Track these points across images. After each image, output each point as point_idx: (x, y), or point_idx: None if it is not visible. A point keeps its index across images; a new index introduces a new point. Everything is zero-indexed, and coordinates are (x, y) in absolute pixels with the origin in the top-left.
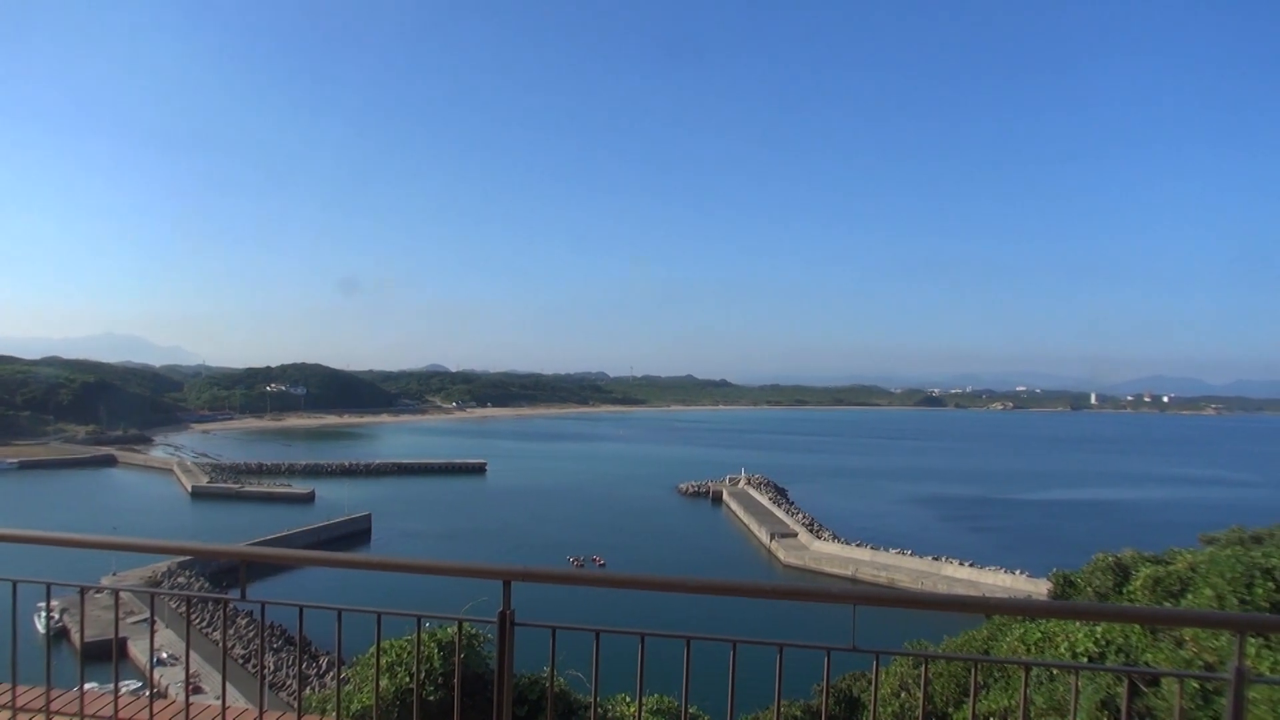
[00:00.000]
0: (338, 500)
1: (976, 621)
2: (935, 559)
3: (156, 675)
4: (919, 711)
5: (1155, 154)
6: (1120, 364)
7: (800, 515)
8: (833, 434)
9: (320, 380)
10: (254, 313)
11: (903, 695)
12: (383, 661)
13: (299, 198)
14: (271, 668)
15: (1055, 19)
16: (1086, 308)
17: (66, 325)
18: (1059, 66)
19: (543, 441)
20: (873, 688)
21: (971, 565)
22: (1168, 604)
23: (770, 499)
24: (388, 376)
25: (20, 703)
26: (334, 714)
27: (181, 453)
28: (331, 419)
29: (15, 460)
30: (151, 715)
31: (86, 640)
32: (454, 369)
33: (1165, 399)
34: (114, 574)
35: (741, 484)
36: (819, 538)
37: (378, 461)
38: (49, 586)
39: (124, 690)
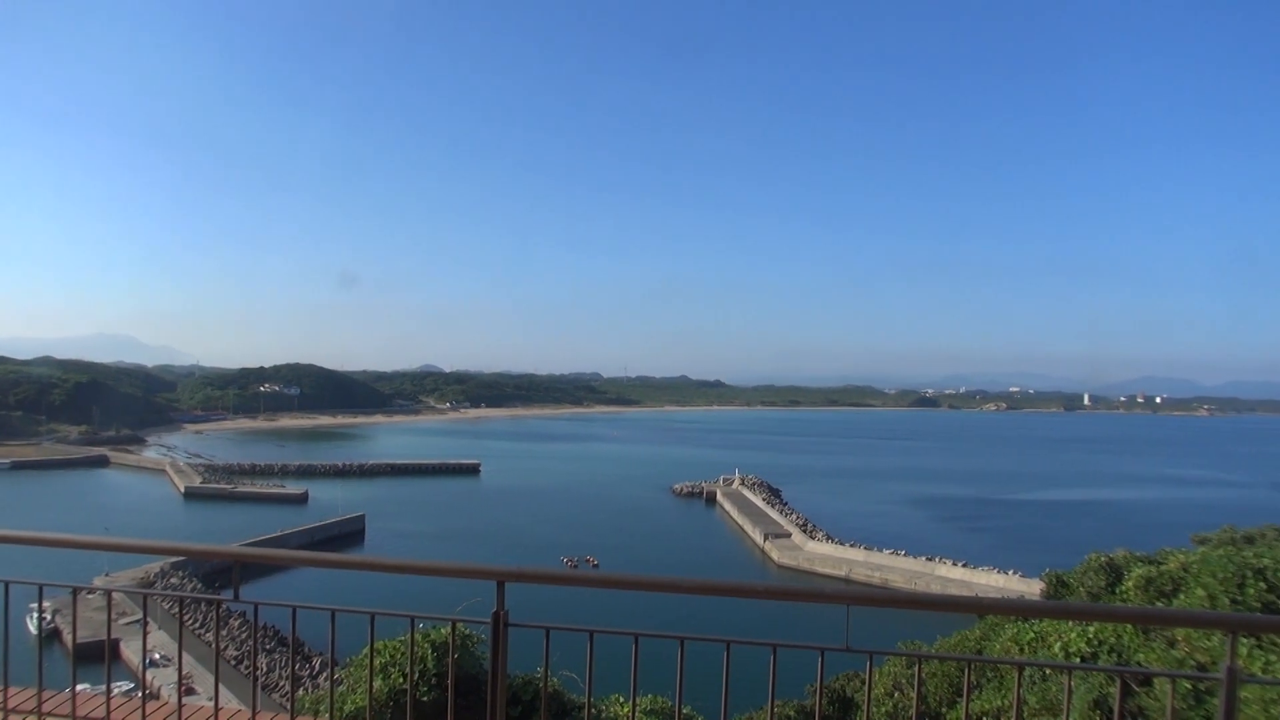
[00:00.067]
0: (331, 501)
1: (970, 621)
2: (929, 559)
3: (149, 676)
4: (912, 711)
5: (1149, 156)
6: (1113, 365)
7: (794, 516)
8: (826, 435)
9: (314, 380)
10: (247, 313)
11: (896, 695)
12: (376, 662)
13: (293, 197)
14: (264, 669)
15: (1049, 21)
16: (1080, 309)
17: (59, 325)
18: (1054, 67)
19: (537, 442)
20: (866, 688)
21: (965, 565)
22: (1160, 604)
23: (764, 499)
24: (381, 377)
25: (12, 704)
26: (327, 715)
27: (174, 453)
28: (325, 419)
29: (7, 461)
30: (144, 716)
31: (79, 641)
32: (448, 369)
33: (1158, 400)
34: (106, 575)
35: (735, 484)
36: (813, 538)
37: (371, 462)
38: (41, 587)
39: (116, 691)
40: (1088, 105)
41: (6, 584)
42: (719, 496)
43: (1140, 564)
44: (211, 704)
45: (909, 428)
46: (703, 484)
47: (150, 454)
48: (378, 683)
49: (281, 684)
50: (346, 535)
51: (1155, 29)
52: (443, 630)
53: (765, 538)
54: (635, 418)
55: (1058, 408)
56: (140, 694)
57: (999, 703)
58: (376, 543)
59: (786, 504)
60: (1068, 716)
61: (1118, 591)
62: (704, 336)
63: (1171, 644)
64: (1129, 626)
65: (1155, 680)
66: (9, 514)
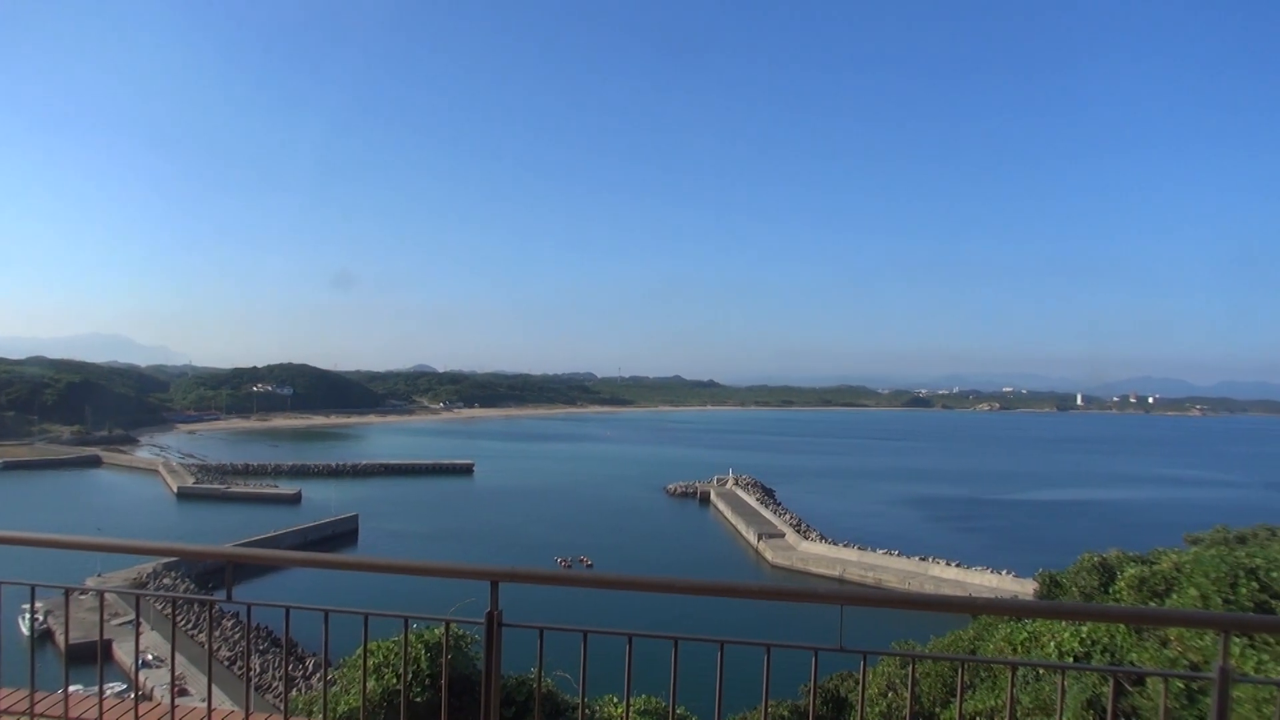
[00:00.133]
0: (324, 501)
1: (963, 621)
2: (922, 559)
3: (142, 677)
4: (906, 711)
5: (1143, 156)
6: (1106, 365)
7: (788, 516)
8: (820, 435)
9: (307, 380)
10: (241, 313)
11: (890, 695)
12: (370, 663)
13: (288, 197)
14: (258, 669)
15: (1048, 21)
16: (1073, 309)
17: (52, 324)
18: (1053, 67)
19: (530, 442)
20: (860, 688)
21: (958, 565)
22: (1153, 604)
23: (758, 499)
24: (375, 377)
25: (4, 705)
26: (320, 716)
27: (167, 453)
28: (318, 419)
29: None
30: (137, 717)
31: (71, 642)
32: (441, 369)
33: (1151, 400)
34: (99, 575)
35: (729, 484)
36: (806, 538)
37: (365, 462)
38: (33, 588)
39: (109, 693)
40: (1087, 105)
41: None
42: (713, 496)
43: (1133, 564)
44: (204, 705)
45: (902, 428)
46: (697, 484)
47: (143, 454)
48: (371, 683)
49: (275, 685)
50: (340, 535)
51: (1154, 29)
52: (436, 630)
53: (759, 538)
54: (629, 418)
55: (1051, 408)
56: (133, 695)
57: (993, 702)
58: (370, 543)
59: (780, 504)
60: (1061, 716)
61: (1111, 591)
62: (698, 336)
63: (1164, 643)
64: (1122, 626)
65: (1148, 680)
66: (1, 514)
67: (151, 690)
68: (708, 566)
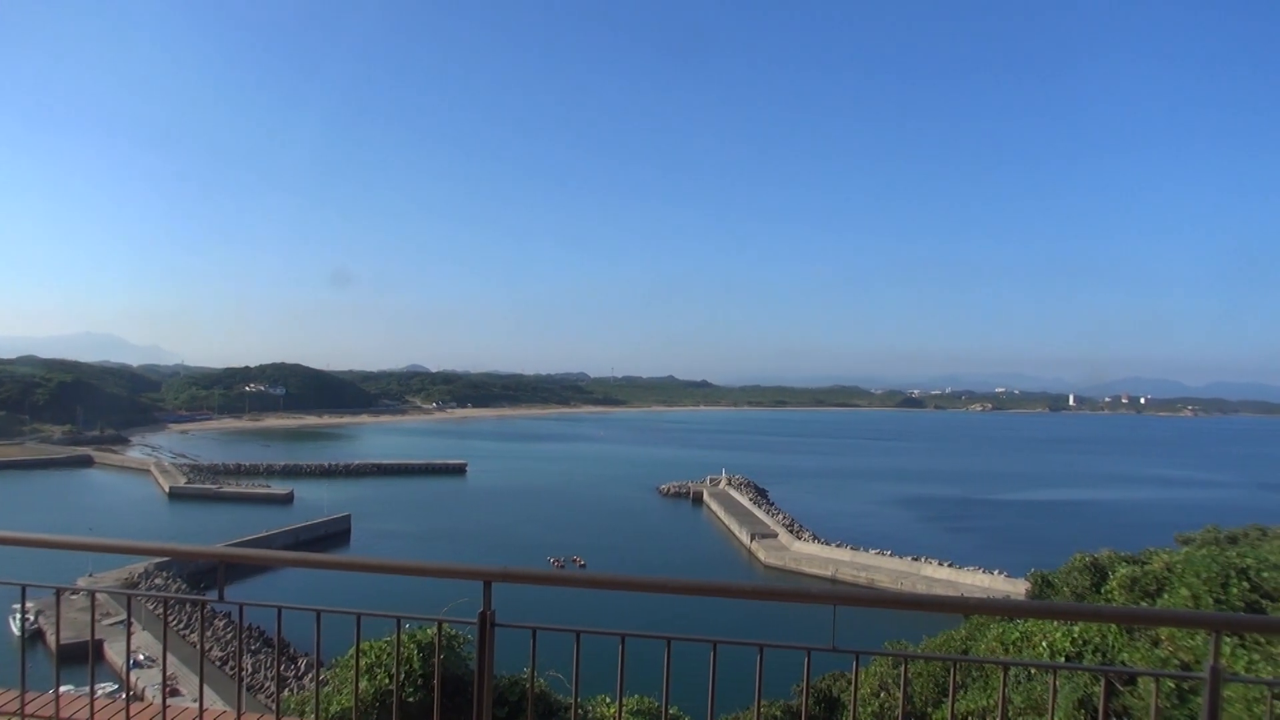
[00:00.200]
0: (317, 501)
1: (955, 621)
2: (914, 559)
3: (133, 678)
4: (898, 711)
5: (1138, 158)
6: (1098, 365)
7: (780, 516)
8: (813, 435)
9: (300, 380)
10: (233, 312)
11: (882, 695)
12: (362, 663)
13: (282, 196)
14: (250, 669)
15: (1040, 24)
16: (1066, 310)
17: (43, 324)
18: (1048, 70)
19: (523, 442)
20: (852, 688)
21: (950, 565)
22: (1144, 604)
23: (751, 500)
24: (368, 377)
25: None
26: (313, 716)
27: (159, 453)
28: (311, 419)
29: None
30: (128, 718)
31: (62, 642)
32: (434, 369)
33: (1143, 400)
34: (90, 575)
35: (722, 485)
36: (799, 538)
37: (357, 462)
38: (24, 588)
39: (100, 693)
40: (1085, 107)
41: None
42: (706, 497)
43: (1125, 564)
44: (196, 705)
45: (895, 428)
46: (689, 484)
47: (135, 454)
48: (363, 683)
49: (267, 685)
50: (332, 535)
51: (1150, 30)
52: (429, 631)
53: (752, 538)
54: (622, 418)
55: (1043, 408)
56: (124, 695)
57: (984, 702)
58: (362, 543)
59: (773, 504)
60: (1053, 716)
61: (1102, 591)
62: (692, 337)
63: (1156, 643)
64: (1113, 626)
65: (1139, 679)
66: None
67: (143, 690)
68: (700, 567)
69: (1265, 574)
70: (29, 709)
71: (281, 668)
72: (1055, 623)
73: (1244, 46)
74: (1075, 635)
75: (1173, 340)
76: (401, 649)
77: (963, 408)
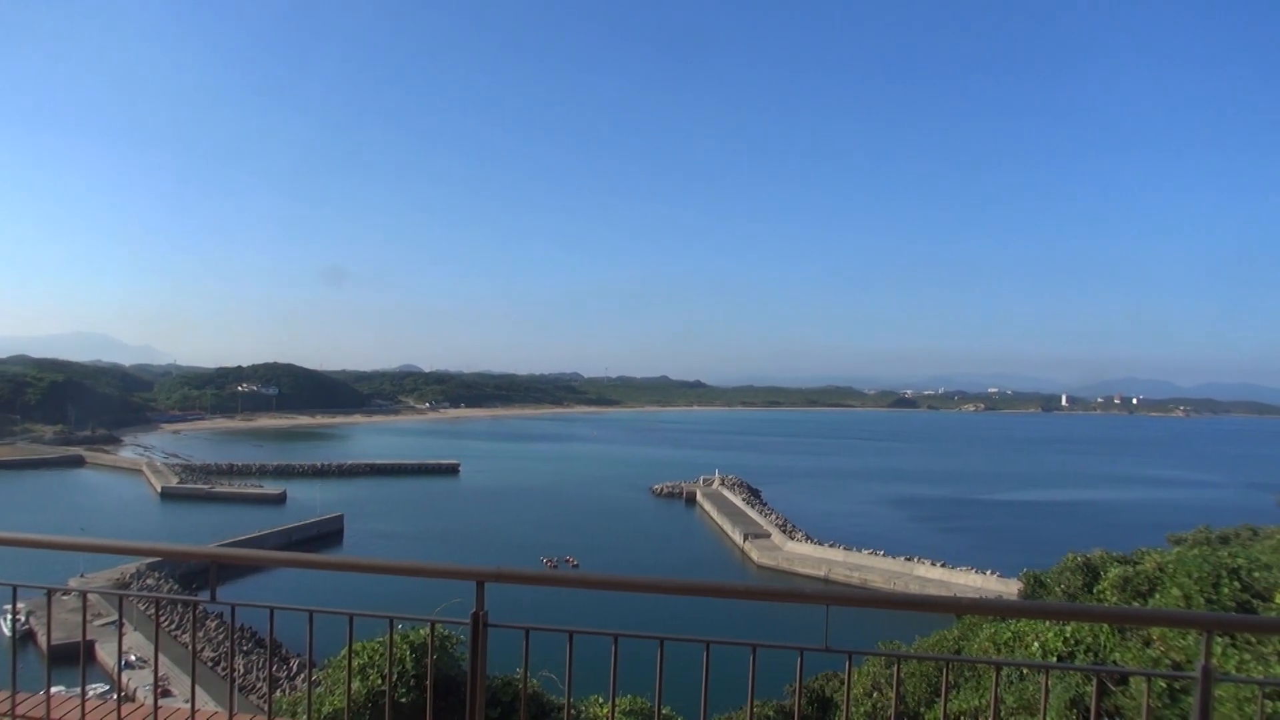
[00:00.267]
0: (309, 501)
1: (948, 621)
2: (907, 559)
3: (124, 678)
4: (891, 711)
5: (1132, 160)
6: (1091, 366)
7: (773, 516)
8: (806, 435)
9: (292, 380)
10: (226, 312)
11: (875, 695)
12: (354, 663)
13: (276, 195)
14: (242, 670)
15: (1031, 27)
16: (1059, 311)
17: (34, 323)
18: (1044, 71)
19: (516, 442)
20: (845, 688)
21: (943, 565)
22: (1136, 604)
23: (744, 500)
24: (361, 377)
25: None
26: (305, 717)
27: (151, 453)
28: (303, 419)
29: None
30: (120, 719)
31: (53, 643)
32: (427, 369)
33: (1135, 401)
34: (82, 576)
35: (715, 485)
36: (792, 538)
37: (350, 462)
38: (15, 589)
39: (91, 694)
40: (1081, 108)
41: None
42: (699, 497)
43: (1117, 564)
44: (188, 706)
45: (888, 428)
46: (682, 484)
47: (126, 454)
48: (356, 684)
49: (259, 685)
50: (325, 536)
51: (1147, 30)
52: (422, 631)
53: (745, 538)
54: (616, 418)
55: (1035, 409)
56: (115, 696)
57: (977, 702)
58: (355, 543)
59: (766, 504)
60: (1045, 715)
61: (1094, 591)
62: (685, 337)
63: (1147, 643)
64: (1105, 626)
65: (1131, 679)
66: None
67: (134, 691)
68: (693, 567)
69: (1256, 574)
70: (20, 710)
71: (274, 668)
72: (1047, 623)
73: (1241, 47)
74: (1067, 635)
75: (1165, 341)
76: (394, 649)
77: (956, 408)
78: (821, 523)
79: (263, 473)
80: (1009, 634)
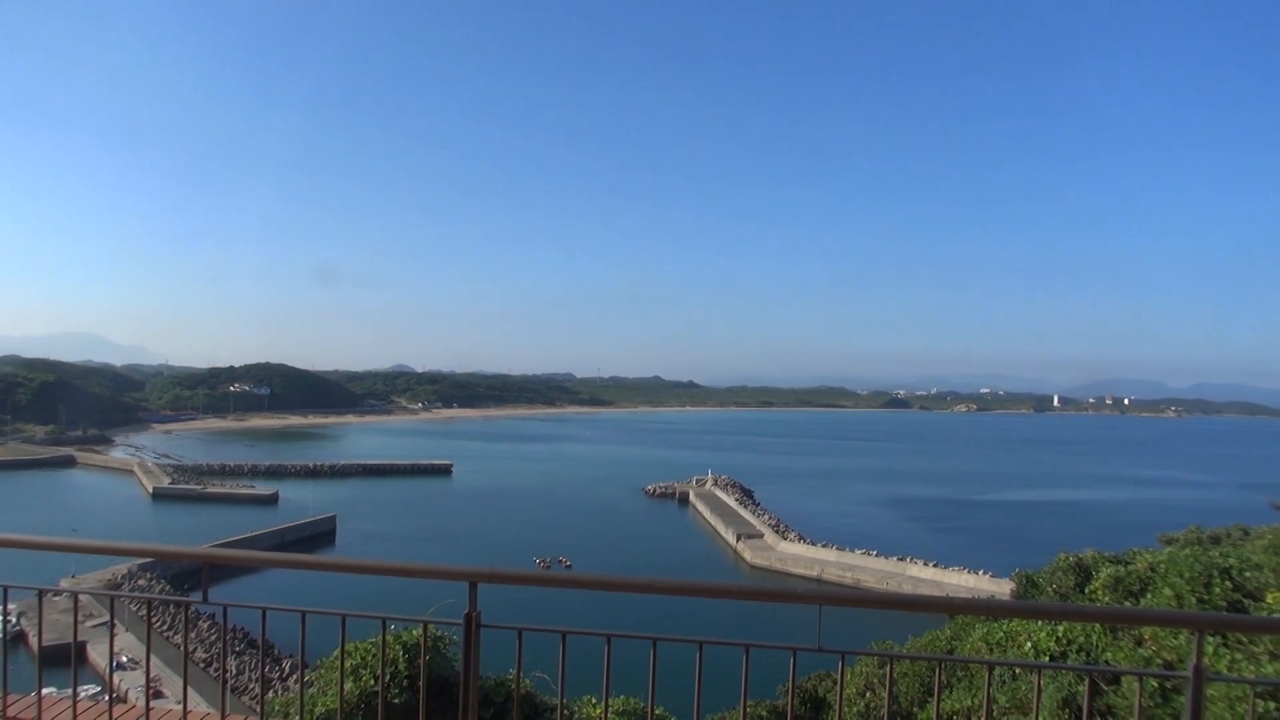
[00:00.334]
0: (302, 501)
1: (941, 621)
2: (900, 559)
3: (116, 679)
4: (884, 711)
5: (1126, 160)
6: (1083, 367)
7: (766, 516)
8: (799, 435)
9: (284, 380)
10: (218, 312)
11: (868, 695)
12: (347, 664)
13: (268, 194)
14: (234, 671)
15: (1027, 29)
16: (1051, 312)
17: (25, 323)
18: (1042, 72)
19: (509, 443)
20: (838, 688)
21: (936, 565)
22: (1128, 603)
23: (737, 500)
24: (353, 377)
25: None
26: (297, 718)
27: (142, 453)
28: (296, 420)
29: None
30: None
31: (44, 644)
32: (420, 369)
33: (1126, 401)
34: (73, 576)
35: (708, 485)
36: (785, 538)
37: (342, 463)
38: (5, 589)
39: (83, 695)
40: (1075, 109)
41: None
42: (692, 497)
43: (1108, 564)
44: (180, 707)
45: (881, 428)
46: (675, 484)
47: (118, 454)
48: (348, 685)
49: (251, 687)
50: (317, 536)
51: (1143, 31)
52: (414, 632)
53: (738, 538)
54: (609, 418)
55: (1028, 409)
56: (107, 698)
57: (969, 702)
58: (348, 544)
59: (759, 504)
60: (1037, 715)
61: (1086, 591)
62: (677, 338)
63: (1139, 643)
64: (1097, 626)
65: (1123, 679)
66: None
67: (126, 693)
68: (686, 567)
69: (1248, 573)
70: (11, 712)
71: (266, 669)
72: (1040, 622)
73: (1240, 48)
74: (1060, 635)
75: (1157, 342)
76: (387, 650)
77: (948, 408)
78: (814, 523)
79: (255, 473)
80: (1001, 634)
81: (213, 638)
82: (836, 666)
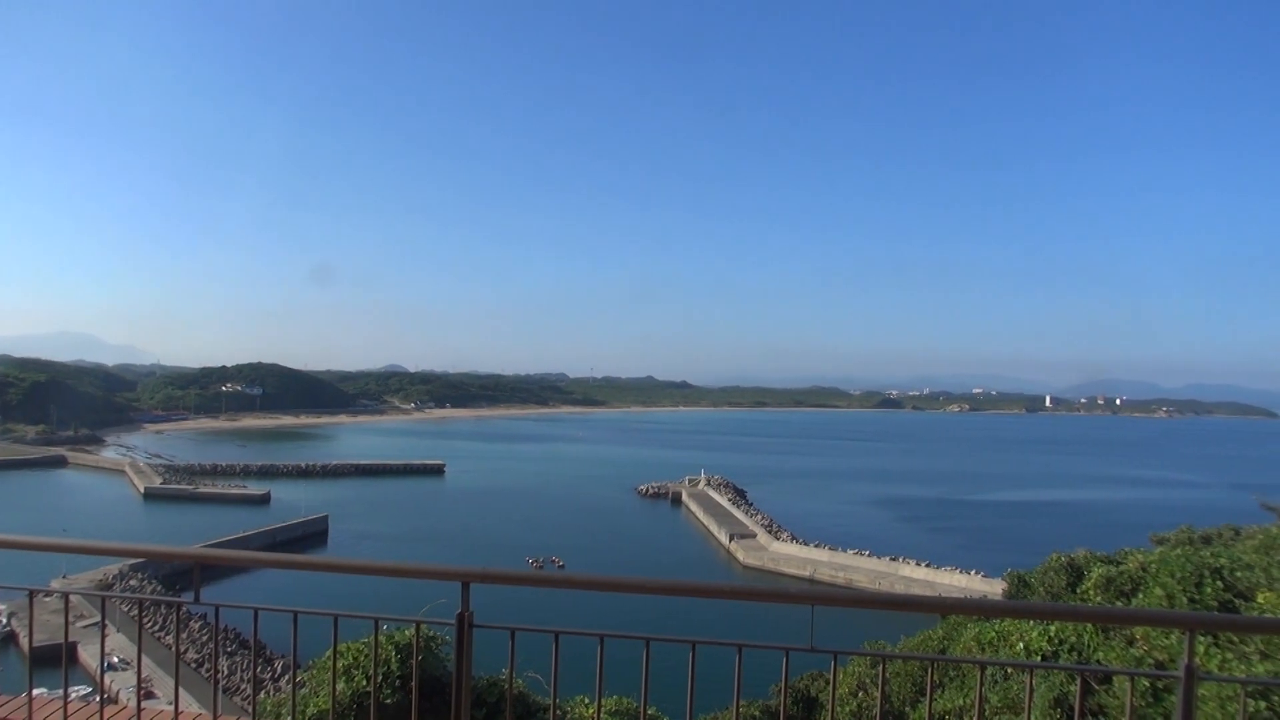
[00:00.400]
0: (294, 501)
1: (933, 621)
2: (892, 559)
3: (107, 680)
4: (876, 711)
5: (1119, 161)
6: (1075, 366)
7: (759, 516)
8: (792, 436)
9: (277, 380)
10: (210, 312)
11: (860, 695)
12: (339, 664)
13: (260, 194)
14: (225, 672)
15: (1023, 29)
16: (1043, 311)
17: (16, 322)
18: (1028, 74)
19: (502, 442)
20: (830, 687)
21: (928, 565)
22: (1119, 603)
23: (729, 500)
24: (346, 377)
25: None
26: (289, 718)
27: (134, 453)
28: (288, 420)
29: None
30: None
31: (35, 644)
32: (413, 369)
33: (1118, 401)
34: (64, 577)
35: (701, 485)
36: (778, 539)
37: (335, 463)
38: None
39: (74, 696)
40: (1070, 110)
41: None
42: (684, 497)
43: (1100, 564)
44: (171, 708)
45: (873, 428)
46: (668, 485)
47: (109, 454)
48: (341, 685)
49: (243, 687)
50: (309, 536)
51: (1141, 32)
52: (407, 632)
53: (730, 538)
54: (601, 418)
55: (1019, 409)
56: (98, 698)
57: (962, 701)
58: (340, 544)
59: (752, 504)
60: (1029, 714)
61: (1078, 591)
62: (670, 338)
63: (1131, 642)
64: (1089, 625)
65: (1115, 678)
66: None
67: (117, 693)
68: (679, 567)
69: (1239, 573)
70: (1, 712)
71: (258, 670)
72: (1031, 622)
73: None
74: (1051, 635)
75: (1149, 342)
76: (379, 650)
77: (940, 408)
78: (807, 523)
79: (247, 473)
80: (993, 634)
81: (204, 638)
82: (829, 666)
